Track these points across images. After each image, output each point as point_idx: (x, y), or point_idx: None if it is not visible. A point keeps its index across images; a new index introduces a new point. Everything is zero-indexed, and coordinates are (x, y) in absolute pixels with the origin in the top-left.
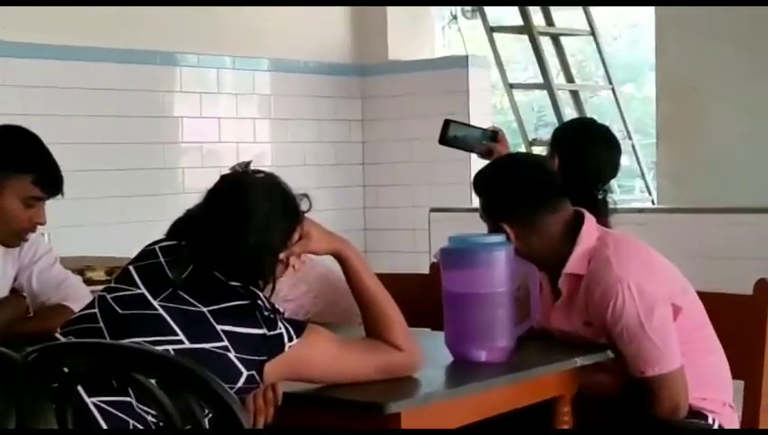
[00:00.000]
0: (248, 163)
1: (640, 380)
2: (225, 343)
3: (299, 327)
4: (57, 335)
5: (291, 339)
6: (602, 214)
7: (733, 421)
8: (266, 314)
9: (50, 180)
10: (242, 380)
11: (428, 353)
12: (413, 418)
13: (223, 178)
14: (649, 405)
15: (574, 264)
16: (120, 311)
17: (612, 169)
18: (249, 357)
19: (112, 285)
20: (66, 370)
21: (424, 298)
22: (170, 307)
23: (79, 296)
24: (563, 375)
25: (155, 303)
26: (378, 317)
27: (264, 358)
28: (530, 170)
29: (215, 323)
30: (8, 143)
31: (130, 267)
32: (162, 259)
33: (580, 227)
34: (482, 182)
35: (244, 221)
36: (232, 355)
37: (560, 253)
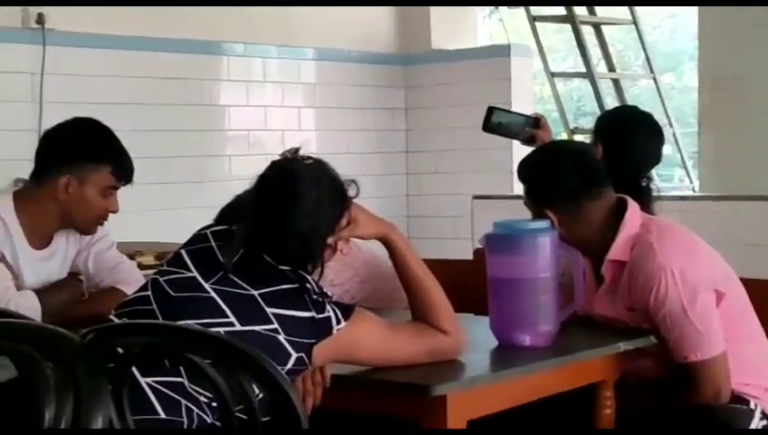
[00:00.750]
0: (297, 150)
1: (683, 365)
2: (275, 325)
3: (347, 310)
4: (111, 317)
5: (339, 322)
6: (646, 201)
7: None
8: (315, 297)
9: (126, 170)
10: (291, 362)
11: (473, 338)
12: (458, 400)
13: (273, 164)
14: (692, 390)
15: (618, 250)
16: (172, 293)
17: (656, 157)
18: (298, 340)
19: (165, 268)
20: (121, 350)
21: (468, 284)
22: (222, 290)
23: (131, 280)
24: (606, 360)
25: (206, 286)
26: (424, 301)
27: (313, 341)
28: (574, 157)
29: (264, 306)
30: (87, 136)
31: (182, 251)
32: (214, 243)
33: (623, 214)
34: (526, 169)
35: (293, 206)
36: (281, 337)
37: (603, 239)
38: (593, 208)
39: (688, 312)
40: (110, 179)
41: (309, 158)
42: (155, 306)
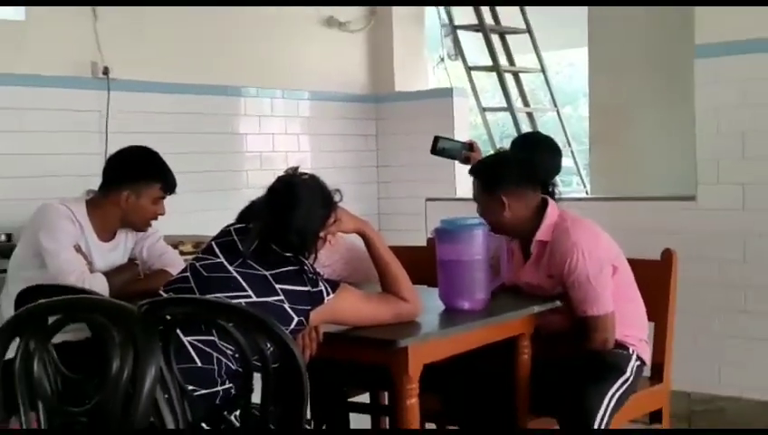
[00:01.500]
0: (296, 168)
1: (582, 319)
2: (281, 297)
3: (334, 285)
4: (161, 292)
5: (328, 294)
6: (554, 202)
7: (646, 352)
8: (311, 276)
9: (171, 185)
10: (293, 323)
11: (426, 304)
12: (416, 350)
13: (278, 178)
14: (587, 339)
15: (543, 232)
16: (205, 274)
17: (556, 168)
18: (299, 307)
19: (200, 255)
20: (168, 317)
21: (423, 264)
22: (242, 271)
23: (175, 263)
24: (524, 319)
25: (230, 268)
26: (389, 277)
27: (309, 308)
28: (519, 159)
29: (274, 283)
30: (142, 160)
31: (212, 243)
32: (235, 237)
33: (545, 207)
34: (483, 166)
35: (293, 209)
36: (287, 306)
37: (532, 225)
38: (531, 198)
39: (591, 279)
40: (158, 193)
41: (305, 173)
42: (192, 284)
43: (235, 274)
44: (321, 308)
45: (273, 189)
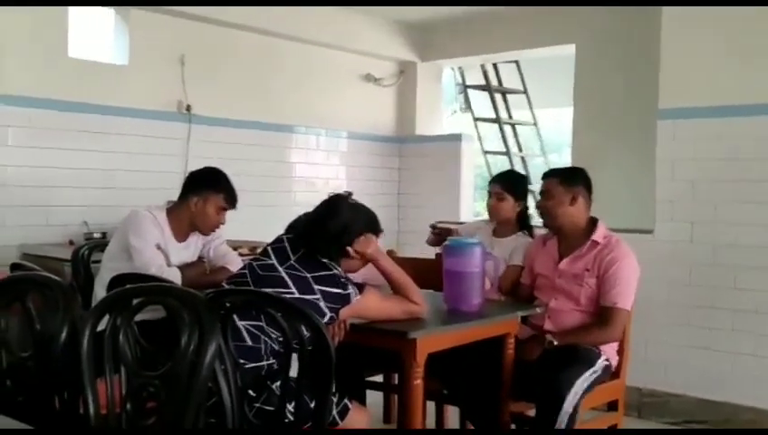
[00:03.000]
0: (350, 193)
1: (607, 309)
2: (318, 296)
3: (361, 288)
4: (224, 284)
5: (356, 295)
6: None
7: (614, 358)
8: (342, 280)
9: (233, 199)
10: (326, 318)
11: (432, 305)
12: (423, 341)
13: (330, 196)
14: (603, 327)
15: (599, 235)
16: (259, 272)
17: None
18: (332, 305)
19: (258, 256)
20: (228, 304)
21: (432, 273)
22: (289, 272)
23: (235, 262)
24: (510, 320)
25: (280, 268)
26: (399, 287)
27: (340, 306)
28: None
29: (314, 284)
30: (211, 176)
31: (268, 247)
32: (287, 245)
33: (595, 221)
34: (561, 168)
35: (331, 219)
36: (322, 304)
37: (586, 227)
38: (588, 206)
39: (631, 280)
40: (222, 202)
41: (351, 198)
42: (249, 279)
43: (283, 274)
44: (350, 307)
45: (324, 203)
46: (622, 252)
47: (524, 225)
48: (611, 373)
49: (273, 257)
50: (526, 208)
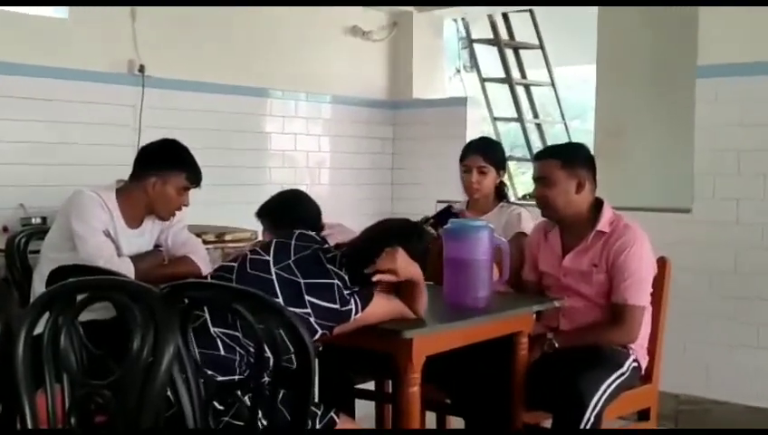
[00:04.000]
0: (426, 219)
1: (618, 307)
2: (309, 310)
3: (366, 302)
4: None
5: (357, 312)
6: None
7: (645, 358)
8: (345, 293)
9: (196, 177)
10: (317, 335)
11: (433, 300)
12: (420, 342)
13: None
14: (615, 327)
15: (603, 224)
16: (248, 269)
17: None
18: (324, 322)
19: (257, 249)
20: (186, 300)
21: (430, 262)
22: (281, 275)
23: (198, 251)
24: (523, 316)
25: (273, 269)
26: (415, 301)
27: (334, 325)
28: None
29: (305, 294)
30: (170, 151)
31: (275, 240)
32: (293, 241)
33: (600, 204)
34: (561, 147)
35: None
36: (312, 320)
37: (590, 215)
38: (594, 187)
39: (643, 271)
40: (184, 182)
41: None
42: (233, 275)
43: (273, 277)
44: (347, 323)
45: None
46: (631, 237)
47: (502, 195)
48: (642, 377)
49: (271, 253)
50: (502, 179)
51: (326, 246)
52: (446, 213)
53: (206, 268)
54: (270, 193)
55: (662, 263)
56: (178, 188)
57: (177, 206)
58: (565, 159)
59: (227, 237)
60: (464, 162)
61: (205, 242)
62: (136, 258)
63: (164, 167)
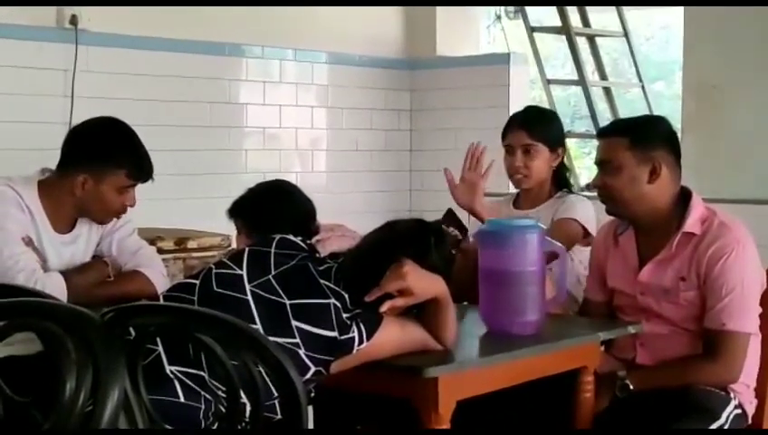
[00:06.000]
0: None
1: (713, 334)
2: (297, 340)
3: (372, 329)
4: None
5: (361, 343)
6: None
7: (751, 402)
8: (344, 316)
9: (141, 173)
10: (309, 373)
11: (465, 325)
12: (448, 382)
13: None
14: (711, 361)
15: (692, 224)
16: (214, 288)
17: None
18: (317, 356)
19: (225, 260)
20: (133, 330)
21: (461, 274)
22: (258, 294)
23: (152, 263)
24: (587, 348)
25: (247, 287)
26: (440, 330)
27: (332, 358)
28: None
29: (291, 318)
30: (108, 139)
31: (247, 249)
32: (273, 250)
33: (688, 196)
34: (632, 121)
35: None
36: (302, 352)
37: (673, 212)
38: (678, 176)
39: (745, 286)
40: (124, 181)
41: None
42: (195, 296)
43: (249, 295)
44: (348, 358)
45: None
46: (730, 240)
47: (563, 183)
48: (749, 427)
49: (245, 266)
50: (563, 162)
51: (317, 255)
52: (449, 220)
53: (162, 286)
54: (247, 185)
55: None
56: (117, 188)
57: (118, 208)
58: (635, 137)
59: (191, 244)
60: (505, 141)
61: (160, 251)
62: (69, 273)
63: (96, 161)
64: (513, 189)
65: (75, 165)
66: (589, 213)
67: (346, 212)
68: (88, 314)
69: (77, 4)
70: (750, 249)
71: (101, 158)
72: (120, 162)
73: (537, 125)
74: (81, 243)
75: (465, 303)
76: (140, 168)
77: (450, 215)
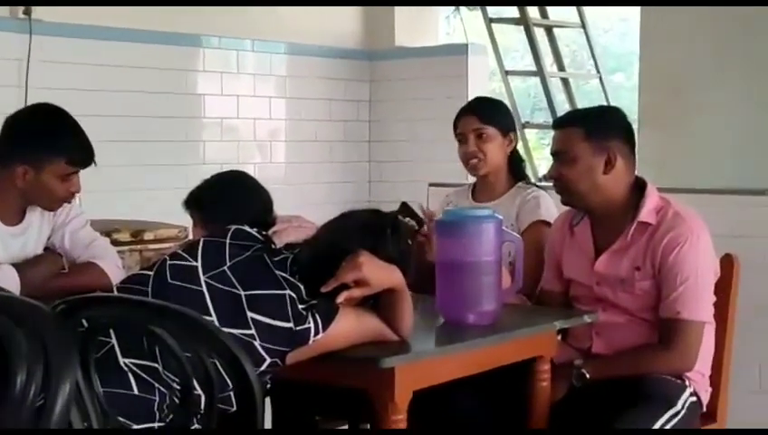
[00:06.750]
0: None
1: (668, 323)
2: (252, 331)
3: (328, 319)
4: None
5: (317, 333)
6: None
7: (705, 390)
8: (300, 307)
9: (82, 158)
10: (265, 365)
11: (422, 316)
12: (405, 372)
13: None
14: (666, 350)
15: (647, 213)
16: (168, 279)
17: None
18: (273, 347)
19: (179, 251)
20: (86, 322)
21: (418, 264)
22: (213, 286)
23: (106, 255)
24: (543, 337)
25: (202, 278)
26: (398, 316)
27: (287, 350)
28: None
29: (246, 310)
30: (42, 128)
31: (202, 239)
32: (228, 240)
33: (642, 186)
34: (587, 112)
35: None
36: (257, 343)
37: (628, 202)
38: (632, 166)
39: (699, 275)
40: (65, 168)
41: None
42: (149, 288)
43: (203, 286)
44: (304, 348)
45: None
46: (684, 229)
47: (519, 173)
48: (703, 415)
49: (199, 256)
50: (516, 148)
51: (273, 246)
52: (405, 212)
53: (117, 278)
54: (204, 176)
55: (729, 262)
56: (59, 176)
57: (64, 195)
58: (590, 128)
59: (147, 236)
60: (457, 130)
61: (116, 243)
62: (22, 266)
63: (34, 151)
64: (469, 180)
65: (13, 156)
66: (551, 208)
67: (305, 203)
68: (38, 305)
69: (30, 4)
70: (704, 239)
71: (38, 147)
72: (59, 150)
73: (487, 111)
74: (31, 234)
75: (420, 293)
76: (79, 153)
77: (405, 207)
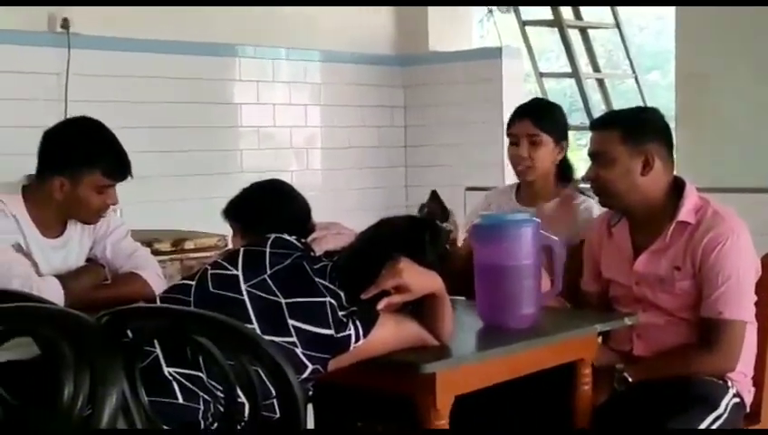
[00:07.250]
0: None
1: (710, 324)
2: (294, 338)
3: (368, 326)
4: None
5: (358, 340)
6: None
7: (749, 391)
8: (340, 314)
9: (118, 171)
10: (306, 372)
11: (461, 320)
12: (446, 378)
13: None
14: (708, 350)
15: (686, 213)
16: (210, 289)
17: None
18: (315, 354)
19: (220, 261)
20: (131, 333)
21: (458, 269)
22: (254, 294)
23: (148, 265)
24: (584, 340)
25: (243, 287)
26: (437, 327)
27: (329, 356)
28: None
29: (287, 317)
30: (79, 141)
31: (243, 248)
32: (268, 249)
33: (681, 186)
34: (624, 114)
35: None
36: (299, 351)
37: (667, 202)
38: (670, 165)
39: (740, 274)
40: (102, 180)
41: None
42: (191, 297)
43: (245, 295)
44: (345, 355)
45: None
46: (725, 229)
47: (567, 178)
48: (746, 416)
49: (240, 265)
50: (566, 157)
51: (312, 254)
52: (434, 202)
53: (159, 287)
54: (243, 184)
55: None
56: (96, 187)
57: (101, 207)
58: (627, 130)
59: (187, 245)
60: (510, 131)
61: (156, 253)
62: (65, 277)
63: (70, 163)
64: (513, 180)
65: (51, 169)
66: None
67: (341, 210)
68: (84, 317)
69: (68, 5)
70: (744, 238)
71: (75, 159)
72: (94, 162)
73: (543, 116)
74: (72, 247)
75: (463, 298)
76: (115, 166)
77: (434, 196)
